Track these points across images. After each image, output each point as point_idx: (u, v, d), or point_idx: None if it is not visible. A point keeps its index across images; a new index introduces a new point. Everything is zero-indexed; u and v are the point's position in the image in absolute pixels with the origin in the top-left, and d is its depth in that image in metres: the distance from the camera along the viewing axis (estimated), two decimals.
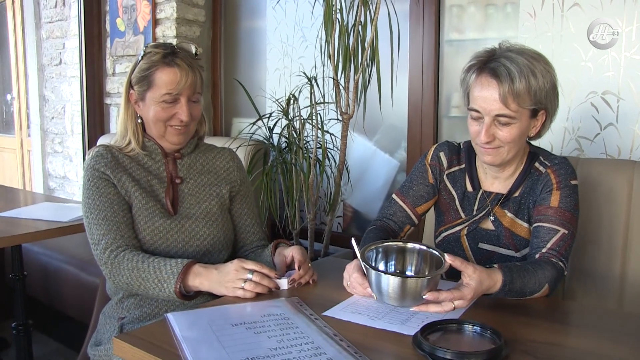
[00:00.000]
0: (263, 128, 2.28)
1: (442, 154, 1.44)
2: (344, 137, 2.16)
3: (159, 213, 1.38)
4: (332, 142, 2.36)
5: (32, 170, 4.09)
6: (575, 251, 1.51)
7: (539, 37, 1.98)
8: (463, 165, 1.42)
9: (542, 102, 1.24)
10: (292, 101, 2.12)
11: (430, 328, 0.97)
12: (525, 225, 1.33)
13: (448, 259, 1.04)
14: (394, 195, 1.48)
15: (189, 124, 1.40)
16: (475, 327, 0.97)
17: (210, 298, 1.32)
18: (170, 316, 1.04)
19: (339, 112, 2.17)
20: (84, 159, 3.42)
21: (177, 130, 1.40)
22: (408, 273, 1.14)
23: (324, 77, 2.19)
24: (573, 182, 1.30)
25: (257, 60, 2.93)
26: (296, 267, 1.28)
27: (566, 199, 1.27)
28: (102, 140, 3.09)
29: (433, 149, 1.46)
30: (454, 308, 1.04)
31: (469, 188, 1.40)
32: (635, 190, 1.54)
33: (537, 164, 1.34)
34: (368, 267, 1.05)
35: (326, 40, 2.07)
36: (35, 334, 2.47)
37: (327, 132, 2.18)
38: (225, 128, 3.11)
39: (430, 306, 1.04)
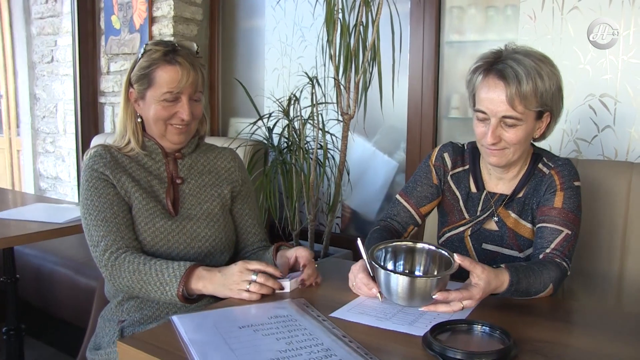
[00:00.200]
0: (262, 128, 2.26)
1: (446, 155, 1.44)
2: (345, 137, 2.16)
3: (160, 214, 1.36)
4: (333, 142, 2.35)
5: (22, 170, 4.04)
6: (575, 251, 1.52)
7: (538, 40, 1.99)
8: (467, 166, 1.42)
9: (548, 104, 1.25)
10: (292, 101, 2.11)
11: (439, 328, 0.96)
12: (529, 226, 1.34)
13: (457, 259, 1.04)
14: (397, 196, 1.47)
15: (190, 123, 1.39)
16: (484, 327, 0.97)
17: (212, 300, 1.30)
18: (175, 319, 1.03)
19: (339, 113, 2.16)
20: (77, 158, 3.38)
21: (178, 130, 1.38)
22: (417, 273, 1.14)
23: (324, 77, 2.18)
24: (576, 184, 1.30)
25: (256, 60, 2.92)
26: (301, 267, 1.26)
27: (569, 200, 1.28)
28: (97, 140, 3.06)
29: (437, 149, 1.46)
30: (463, 308, 1.04)
31: (473, 189, 1.40)
32: (633, 191, 1.55)
33: (540, 165, 1.35)
34: (378, 266, 1.04)
35: (328, 40, 2.06)
36: (27, 338, 2.42)
37: (328, 132, 2.17)
38: (222, 128, 3.09)
39: (439, 306, 1.04)
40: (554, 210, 1.27)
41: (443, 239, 1.44)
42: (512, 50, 1.26)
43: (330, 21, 2.05)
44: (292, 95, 2.12)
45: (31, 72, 3.75)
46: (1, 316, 2.05)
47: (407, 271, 1.14)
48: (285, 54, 2.78)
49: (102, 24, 3.23)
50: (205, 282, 1.21)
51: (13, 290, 1.98)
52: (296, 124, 2.17)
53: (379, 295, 1.13)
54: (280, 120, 2.30)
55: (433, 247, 1.13)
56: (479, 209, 1.38)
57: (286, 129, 2.20)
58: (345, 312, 1.09)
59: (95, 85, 3.33)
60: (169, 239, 1.35)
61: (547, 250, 1.23)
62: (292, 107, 2.15)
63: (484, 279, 1.04)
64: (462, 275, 1.09)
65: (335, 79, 2.11)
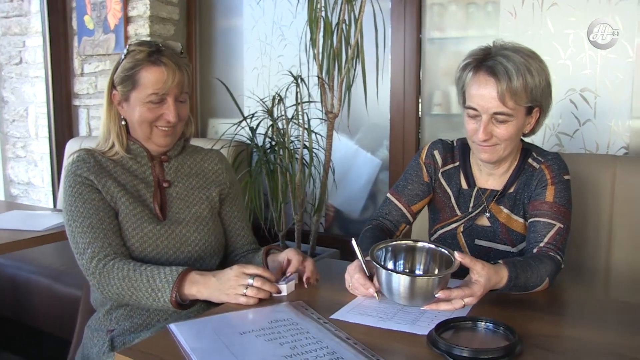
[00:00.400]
0: (246, 128, 2.23)
1: (436, 152, 1.44)
2: (330, 136, 2.15)
3: (148, 219, 1.33)
4: (318, 142, 2.34)
5: None
6: None
7: (519, 36, 2.01)
8: (457, 163, 1.42)
9: (538, 100, 1.26)
10: (277, 101, 2.08)
11: (443, 327, 0.96)
12: (521, 220, 1.35)
13: (458, 256, 1.04)
14: (388, 194, 1.47)
15: (176, 125, 1.36)
16: (488, 323, 0.97)
17: (204, 306, 1.28)
18: (173, 327, 1.00)
19: (324, 112, 2.15)
20: (51, 163, 3.29)
21: (163, 132, 1.35)
22: (417, 272, 1.14)
23: (307, 76, 2.16)
24: (566, 177, 1.32)
25: (234, 60, 2.88)
26: (293, 268, 1.25)
27: (560, 194, 1.30)
28: (72, 144, 2.97)
29: (427, 147, 1.46)
30: (464, 305, 1.04)
31: (464, 185, 1.40)
32: (618, 184, 1.58)
33: (530, 160, 1.36)
34: (379, 266, 1.03)
35: (311, 39, 2.05)
36: (4, 353, 2.34)
37: (314, 132, 2.15)
38: (201, 129, 3.04)
39: (440, 304, 1.03)
40: (546, 205, 1.28)
41: (435, 236, 1.44)
42: (500, 47, 1.27)
43: (313, 20, 2.03)
44: (276, 95, 2.09)
45: None
46: None
47: (407, 270, 1.14)
48: (265, 53, 2.75)
49: (75, 24, 3.14)
50: (200, 287, 1.19)
51: None
52: (280, 124, 2.15)
53: (376, 295, 1.12)
54: (263, 120, 2.27)
55: (433, 246, 1.13)
56: (471, 205, 1.39)
57: (270, 128, 2.18)
58: (345, 314, 1.08)
59: (68, 88, 3.24)
60: (158, 244, 1.32)
61: (541, 245, 1.25)
62: (276, 107, 2.13)
63: (484, 276, 1.04)
64: (459, 272, 1.09)
65: (319, 77, 2.09)
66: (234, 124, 2.26)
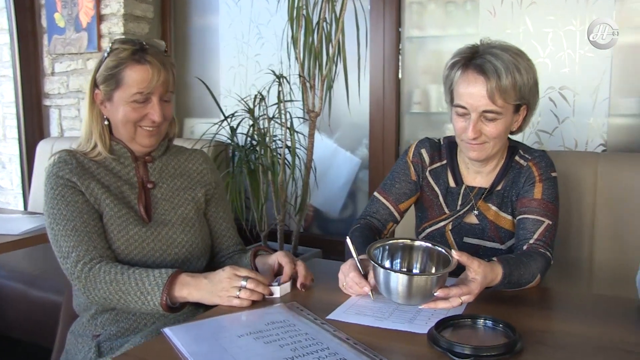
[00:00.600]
0: (226, 128, 2.20)
1: (423, 151, 1.44)
2: (311, 135, 2.14)
3: (133, 221, 1.29)
4: (298, 141, 2.32)
5: None
6: None
7: (499, 35, 2.00)
8: (445, 161, 1.43)
9: (526, 98, 1.28)
10: (258, 100, 2.06)
11: (442, 324, 0.96)
12: (509, 217, 1.36)
13: (455, 255, 1.04)
14: (376, 193, 1.47)
15: (160, 125, 1.33)
16: (487, 321, 0.98)
17: (193, 309, 1.25)
18: (168, 331, 0.97)
19: (305, 110, 2.13)
20: (21, 165, 3.18)
21: (148, 132, 1.32)
22: (415, 271, 1.14)
23: (288, 75, 2.14)
24: (553, 174, 1.34)
25: (210, 59, 2.84)
26: (287, 277, 1.23)
27: (548, 191, 1.32)
28: (43, 145, 2.87)
29: (414, 146, 1.46)
30: (461, 303, 1.04)
31: (452, 183, 1.41)
32: (600, 180, 1.62)
33: (517, 158, 1.38)
34: (377, 265, 1.03)
35: (292, 37, 2.03)
36: None
37: (297, 131, 2.14)
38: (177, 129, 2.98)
39: (438, 303, 1.03)
40: (534, 202, 1.30)
41: (423, 234, 1.45)
42: (488, 45, 1.28)
43: (294, 18, 2.01)
44: (258, 94, 2.07)
45: None
46: None
47: (404, 269, 1.13)
48: (242, 51, 2.72)
49: (44, 22, 3.04)
50: (191, 289, 1.16)
51: None
52: (261, 123, 2.12)
53: (370, 293, 1.12)
54: (243, 120, 2.24)
55: (430, 245, 1.13)
56: (459, 203, 1.39)
57: (252, 128, 2.15)
58: (341, 314, 1.07)
59: (38, 87, 3.13)
60: (144, 247, 1.29)
61: (531, 241, 1.26)
62: (257, 106, 2.10)
63: (481, 274, 1.05)
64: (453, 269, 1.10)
65: (301, 76, 2.07)
66: (215, 124, 2.23)
